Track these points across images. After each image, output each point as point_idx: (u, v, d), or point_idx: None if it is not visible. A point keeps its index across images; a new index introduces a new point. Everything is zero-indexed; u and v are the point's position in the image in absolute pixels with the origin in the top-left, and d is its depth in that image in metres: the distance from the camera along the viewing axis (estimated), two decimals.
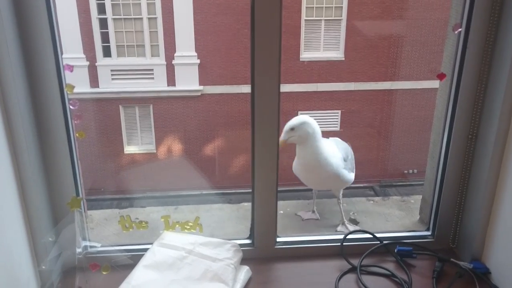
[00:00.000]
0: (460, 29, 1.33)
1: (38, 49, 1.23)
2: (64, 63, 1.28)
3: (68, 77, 1.32)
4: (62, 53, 1.29)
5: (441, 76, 1.40)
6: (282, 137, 1.85)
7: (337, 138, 2.16)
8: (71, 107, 1.32)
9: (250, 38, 1.29)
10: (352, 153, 2.12)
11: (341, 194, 2.08)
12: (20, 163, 1.24)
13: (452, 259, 1.45)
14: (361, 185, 6.76)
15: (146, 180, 6.61)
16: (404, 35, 6.97)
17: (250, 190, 1.46)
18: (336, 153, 1.95)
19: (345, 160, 1.98)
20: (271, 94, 1.34)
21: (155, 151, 7.04)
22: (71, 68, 1.31)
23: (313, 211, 2.14)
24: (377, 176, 7.20)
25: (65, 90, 1.30)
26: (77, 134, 1.35)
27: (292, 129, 1.85)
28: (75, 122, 1.34)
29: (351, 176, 2.01)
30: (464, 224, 1.50)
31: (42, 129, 1.31)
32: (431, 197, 1.60)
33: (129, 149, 6.99)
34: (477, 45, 1.32)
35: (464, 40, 1.33)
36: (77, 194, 1.39)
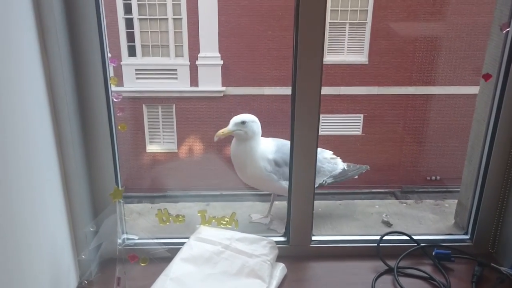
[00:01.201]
0: (508, 29, 1.31)
1: (86, 42, 1.25)
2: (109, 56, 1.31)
3: None
4: (107, 47, 1.31)
5: (486, 77, 1.37)
6: (230, 127, 1.80)
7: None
8: (114, 99, 1.34)
9: (294, 39, 1.30)
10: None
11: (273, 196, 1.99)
12: (64, 154, 1.26)
13: (492, 264, 1.42)
14: (382, 190, 6.68)
15: (168, 179, 6.65)
16: (430, 39, 6.87)
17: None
18: (266, 154, 1.87)
19: (278, 165, 1.86)
20: (313, 96, 1.35)
21: (176, 151, 7.08)
22: (115, 61, 1.34)
23: (266, 216, 2.00)
24: (399, 182, 7.10)
25: (109, 82, 1.32)
26: (119, 127, 1.36)
27: (243, 122, 1.81)
28: (118, 114, 1.36)
29: (279, 183, 1.86)
30: (505, 229, 1.47)
31: (86, 121, 1.33)
32: (469, 201, 1.57)
33: (151, 148, 7.05)
34: None
35: None
36: (118, 186, 1.41)
